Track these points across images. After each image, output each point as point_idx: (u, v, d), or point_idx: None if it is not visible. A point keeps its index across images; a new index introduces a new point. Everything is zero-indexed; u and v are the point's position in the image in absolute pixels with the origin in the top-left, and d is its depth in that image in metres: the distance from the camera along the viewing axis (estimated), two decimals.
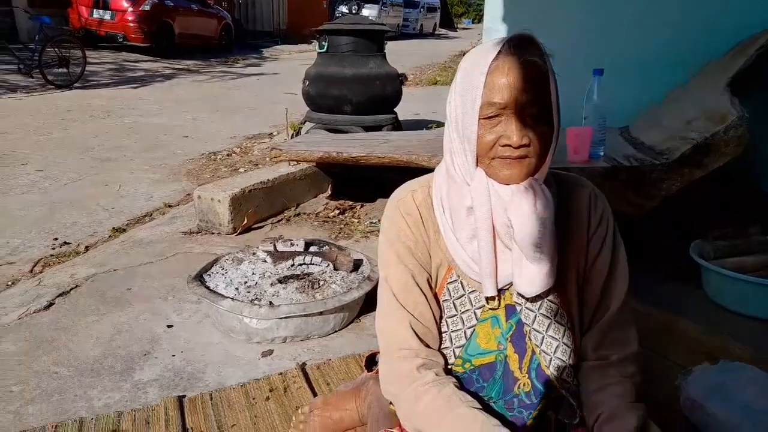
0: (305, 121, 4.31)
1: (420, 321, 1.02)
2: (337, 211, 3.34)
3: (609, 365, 1.04)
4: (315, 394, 1.68)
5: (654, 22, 2.95)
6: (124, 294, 2.33)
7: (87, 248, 2.88)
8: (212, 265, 2.25)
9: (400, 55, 9.69)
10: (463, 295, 1.03)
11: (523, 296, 0.99)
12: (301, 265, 2.23)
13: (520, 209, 0.92)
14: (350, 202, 3.47)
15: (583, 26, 3.20)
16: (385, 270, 1.05)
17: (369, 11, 18.12)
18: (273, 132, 5.66)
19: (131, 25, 11.02)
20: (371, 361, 1.42)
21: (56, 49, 7.52)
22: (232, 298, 1.99)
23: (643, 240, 2.04)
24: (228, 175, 4.03)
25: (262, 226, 3.11)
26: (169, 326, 2.09)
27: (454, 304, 1.03)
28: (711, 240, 2.31)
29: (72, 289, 2.36)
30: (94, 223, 3.24)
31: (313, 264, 2.24)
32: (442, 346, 1.05)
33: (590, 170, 2.15)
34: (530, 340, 1.01)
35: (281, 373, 1.80)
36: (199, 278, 2.13)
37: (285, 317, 1.94)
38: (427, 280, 1.03)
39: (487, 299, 1.01)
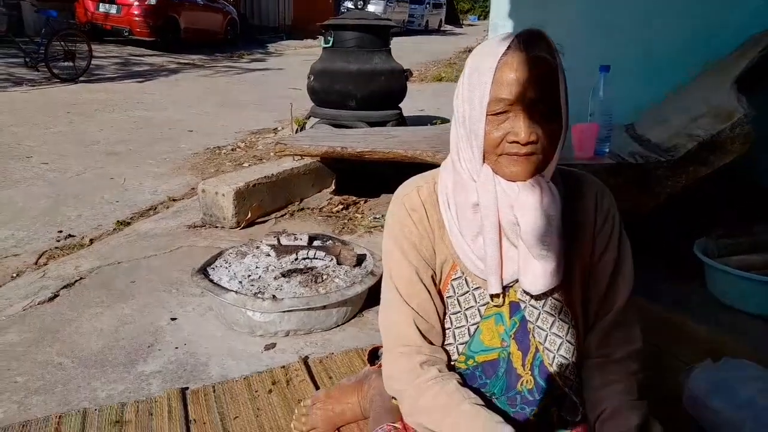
0: (310, 116, 4.31)
1: (423, 317, 1.01)
2: (340, 206, 3.35)
3: (612, 362, 1.03)
4: (317, 388, 1.69)
5: (661, 20, 2.94)
6: (128, 286, 2.34)
7: (91, 241, 2.89)
8: (216, 259, 2.26)
9: (405, 51, 9.66)
10: (467, 291, 1.02)
11: (527, 293, 0.99)
12: (304, 259, 2.24)
13: (526, 206, 0.91)
14: (354, 198, 3.47)
15: (589, 22, 3.18)
16: (389, 266, 1.05)
17: (375, 7, 18.10)
18: (277, 127, 5.66)
19: (137, 19, 11.05)
20: (374, 355, 1.42)
21: (62, 43, 7.52)
22: (236, 292, 1.99)
23: (648, 237, 2.03)
24: (232, 170, 4.04)
25: (266, 221, 3.12)
26: (172, 319, 2.10)
27: (458, 300, 1.03)
28: (715, 238, 2.30)
29: (76, 281, 2.37)
30: (98, 216, 3.25)
31: (316, 258, 2.25)
32: (446, 343, 1.05)
33: (595, 167, 2.14)
34: (534, 337, 1.01)
35: (284, 367, 1.81)
36: (203, 271, 2.13)
37: (288, 311, 1.95)
38: (432, 276, 1.03)
39: (492, 296, 1.01)
